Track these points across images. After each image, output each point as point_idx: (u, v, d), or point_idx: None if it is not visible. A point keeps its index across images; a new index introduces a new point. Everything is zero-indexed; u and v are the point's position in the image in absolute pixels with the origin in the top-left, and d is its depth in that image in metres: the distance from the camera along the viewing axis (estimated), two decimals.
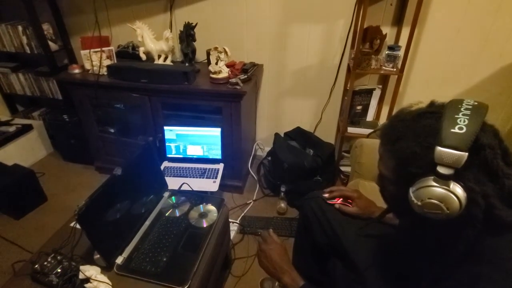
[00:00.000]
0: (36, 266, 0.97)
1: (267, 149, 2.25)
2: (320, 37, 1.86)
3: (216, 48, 1.66)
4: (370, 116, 1.96)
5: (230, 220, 1.53)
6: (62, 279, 0.93)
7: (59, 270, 0.97)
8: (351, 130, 1.88)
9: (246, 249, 1.60)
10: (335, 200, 1.06)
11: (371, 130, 1.78)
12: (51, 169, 2.22)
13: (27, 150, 2.22)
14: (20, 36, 2.03)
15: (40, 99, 2.41)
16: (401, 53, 1.65)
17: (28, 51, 2.08)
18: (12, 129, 2.14)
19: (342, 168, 2.02)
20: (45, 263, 0.99)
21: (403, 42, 1.69)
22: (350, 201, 1.05)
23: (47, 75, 2.18)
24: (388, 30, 1.75)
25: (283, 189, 1.80)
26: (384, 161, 0.66)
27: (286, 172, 1.75)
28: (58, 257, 1.01)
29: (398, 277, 0.79)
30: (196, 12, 1.93)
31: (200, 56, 2.00)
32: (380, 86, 1.91)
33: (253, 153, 2.25)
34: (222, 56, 1.66)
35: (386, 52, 1.67)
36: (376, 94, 1.90)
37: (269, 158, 2.06)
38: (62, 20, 2.11)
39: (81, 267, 0.93)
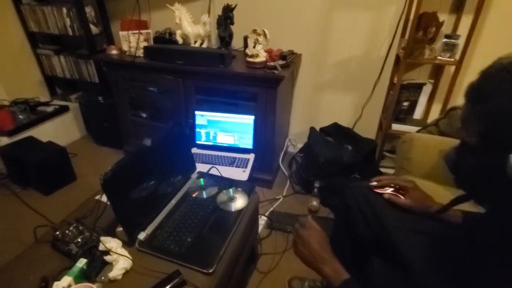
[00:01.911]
0: (57, 233, 0.92)
1: (299, 146, 2.13)
2: (367, 26, 1.73)
3: (255, 31, 1.58)
4: (417, 114, 1.79)
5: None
6: (82, 249, 0.87)
7: (79, 240, 0.91)
8: (395, 127, 1.71)
9: (274, 245, 1.48)
10: (384, 189, 0.92)
11: (419, 128, 1.61)
12: (83, 151, 2.24)
13: (62, 131, 2.26)
14: (64, 18, 2.09)
15: (78, 82, 2.47)
16: (460, 42, 1.48)
17: (71, 33, 2.14)
18: (50, 109, 2.19)
19: (383, 170, 1.84)
20: (67, 231, 0.94)
21: (461, 31, 1.53)
22: (402, 192, 0.91)
23: (87, 57, 2.23)
24: (445, 18, 1.58)
25: (316, 185, 1.66)
26: (470, 125, 0.53)
27: (321, 167, 1.61)
28: (80, 227, 0.96)
29: (461, 280, 0.65)
30: None
31: (237, 43, 1.94)
32: (432, 81, 1.73)
33: (284, 148, 2.14)
34: (261, 39, 1.58)
35: (444, 40, 1.50)
36: (427, 89, 1.73)
37: (301, 154, 1.94)
38: (104, 3, 2.15)
39: (102, 238, 0.87)
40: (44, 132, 2.05)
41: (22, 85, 2.36)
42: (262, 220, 1.59)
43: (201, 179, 1.23)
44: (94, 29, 2.14)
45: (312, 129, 1.89)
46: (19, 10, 2.19)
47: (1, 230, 1.57)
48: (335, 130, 1.89)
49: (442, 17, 1.55)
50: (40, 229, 1.01)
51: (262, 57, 1.61)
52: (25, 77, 2.38)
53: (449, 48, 1.48)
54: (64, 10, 2.05)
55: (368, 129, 1.98)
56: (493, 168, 0.49)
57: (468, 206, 0.94)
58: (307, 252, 0.77)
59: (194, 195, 1.13)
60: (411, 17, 1.58)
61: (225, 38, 1.78)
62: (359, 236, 0.94)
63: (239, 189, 1.17)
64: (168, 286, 0.79)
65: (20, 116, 2.02)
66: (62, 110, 2.23)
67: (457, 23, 1.57)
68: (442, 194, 1.07)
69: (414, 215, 0.87)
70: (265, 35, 1.57)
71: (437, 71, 1.70)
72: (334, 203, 1.62)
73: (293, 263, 1.39)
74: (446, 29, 1.61)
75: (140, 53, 1.82)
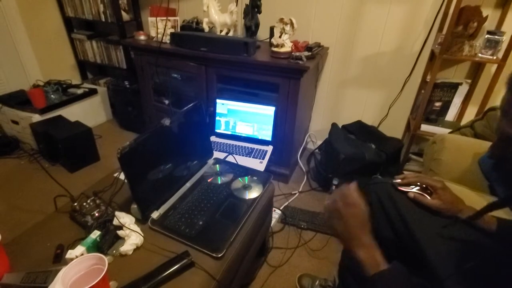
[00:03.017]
0: (75, 204, 0.95)
1: (319, 143, 2.07)
2: (400, 19, 1.64)
3: (281, 20, 1.55)
4: (450, 116, 1.68)
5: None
6: (97, 221, 0.89)
7: (95, 213, 0.93)
8: (425, 128, 1.61)
9: (286, 240, 1.44)
10: (409, 187, 0.86)
11: (451, 130, 1.51)
12: (107, 134, 2.32)
13: (90, 113, 2.34)
14: (98, 4, 2.16)
15: (107, 67, 2.55)
16: (505, 38, 1.37)
17: (103, 19, 2.20)
18: (80, 91, 2.28)
19: (407, 173, 1.75)
20: (84, 204, 0.97)
21: (506, 28, 1.41)
22: (429, 192, 0.84)
23: (117, 43, 2.29)
24: (489, 13, 1.46)
25: (335, 182, 1.61)
26: None
27: (341, 164, 1.55)
28: (97, 201, 0.99)
29: None
30: None
31: (262, 35, 1.92)
32: (469, 81, 1.62)
33: (303, 144, 2.09)
34: (288, 28, 1.54)
35: (486, 36, 1.39)
36: (462, 90, 1.61)
37: (320, 151, 1.88)
38: None
39: (117, 213, 0.88)
40: (72, 113, 2.13)
41: (57, 67, 2.46)
42: (276, 214, 1.56)
43: (217, 165, 1.22)
44: (125, 16, 2.20)
45: (333, 125, 1.83)
46: None
47: (28, 200, 1.66)
48: (359, 128, 1.82)
49: (485, 12, 1.44)
50: (61, 201, 1.04)
51: (287, 47, 1.57)
52: (59, 60, 2.49)
53: (492, 45, 1.36)
54: None
55: (394, 129, 1.88)
56: None
57: (501, 214, 0.86)
58: (343, 229, 0.66)
59: (209, 180, 1.12)
60: (451, 10, 1.48)
61: (251, 27, 1.76)
62: (379, 236, 0.88)
63: (255, 178, 1.15)
64: (177, 266, 0.78)
65: (52, 96, 2.11)
66: (91, 93, 2.31)
67: (502, 19, 1.45)
68: (475, 200, 0.99)
69: (442, 218, 0.80)
70: (292, 24, 1.53)
71: (476, 70, 1.59)
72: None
73: (304, 260, 1.35)
74: (489, 25, 1.49)
75: (167, 39, 1.84)
